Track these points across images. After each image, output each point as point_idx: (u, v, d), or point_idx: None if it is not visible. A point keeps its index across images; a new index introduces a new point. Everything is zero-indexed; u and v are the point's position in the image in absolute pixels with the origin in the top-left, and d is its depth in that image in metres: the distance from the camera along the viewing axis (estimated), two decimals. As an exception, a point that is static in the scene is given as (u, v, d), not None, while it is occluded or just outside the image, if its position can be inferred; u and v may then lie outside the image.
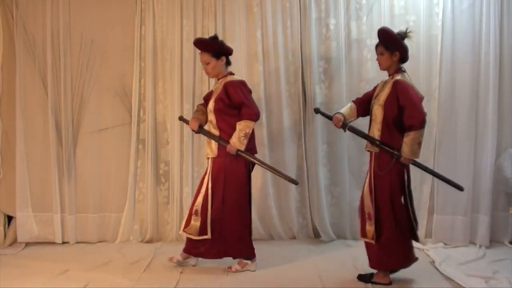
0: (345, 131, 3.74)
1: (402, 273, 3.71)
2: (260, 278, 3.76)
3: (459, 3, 4.44)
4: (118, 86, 4.67)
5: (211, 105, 3.86)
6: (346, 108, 3.80)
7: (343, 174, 4.64)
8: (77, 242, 4.66)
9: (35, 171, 4.65)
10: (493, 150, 4.42)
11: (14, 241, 4.65)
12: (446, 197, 4.47)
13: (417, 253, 4.27)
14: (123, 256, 4.26)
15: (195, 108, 4.21)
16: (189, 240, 3.90)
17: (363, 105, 3.76)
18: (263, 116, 4.64)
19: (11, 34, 4.60)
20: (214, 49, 3.84)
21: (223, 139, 3.80)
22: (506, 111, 4.48)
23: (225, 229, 3.79)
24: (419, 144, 3.46)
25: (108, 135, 4.69)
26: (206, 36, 4.56)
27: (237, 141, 3.75)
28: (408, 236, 3.58)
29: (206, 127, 3.94)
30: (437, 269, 3.86)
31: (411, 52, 4.47)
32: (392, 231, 3.48)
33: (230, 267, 3.90)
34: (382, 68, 3.65)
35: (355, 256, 4.11)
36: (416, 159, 3.53)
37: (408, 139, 3.43)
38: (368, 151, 3.65)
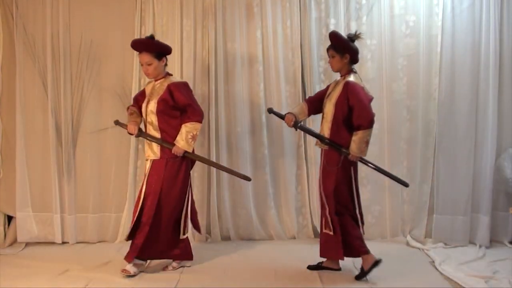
0: (296, 129, 3.88)
1: (402, 273, 3.72)
2: (260, 277, 3.76)
3: (459, 3, 4.45)
4: (118, 86, 4.66)
5: (152, 106, 3.78)
6: (297, 107, 3.97)
7: (343, 174, 4.64)
8: (77, 242, 4.66)
9: (35, 171, 4.65)
10: (493, 150, 4.42)
11: (14, 241, 4.65)
12: (446, 197, 4.47)
13: (415, 253, 4.29)
14: (123, 256, 4.24)
15: (128, 110, 4.04)
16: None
17: (315, 104, 3.90)
18: (263, 116, 4.65)
19: (11, 34, 4.60)
20: (157, 49, 3.79)
21: (166, 141, 3.77)
22: (506, 111, 4.48)
23: (160, 231, 3.77)
24: (367, 142, 3.61)
25: (108, 135, 4.68)
26: (205, 37, 4.59)
27: (185, 143, 3.73)
28: (354, 228, 3.67)
29: (144, 129, 3.90)
30: (437, 269, 3.86)
31: (411, 52, 4.52)
32: (336, 222, 3.62)
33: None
34: (334, 70, 3.80)
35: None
36: (364, 157, 3.66)
37: (356, 137, 3.58)
38: (320, 148, 3.81)
